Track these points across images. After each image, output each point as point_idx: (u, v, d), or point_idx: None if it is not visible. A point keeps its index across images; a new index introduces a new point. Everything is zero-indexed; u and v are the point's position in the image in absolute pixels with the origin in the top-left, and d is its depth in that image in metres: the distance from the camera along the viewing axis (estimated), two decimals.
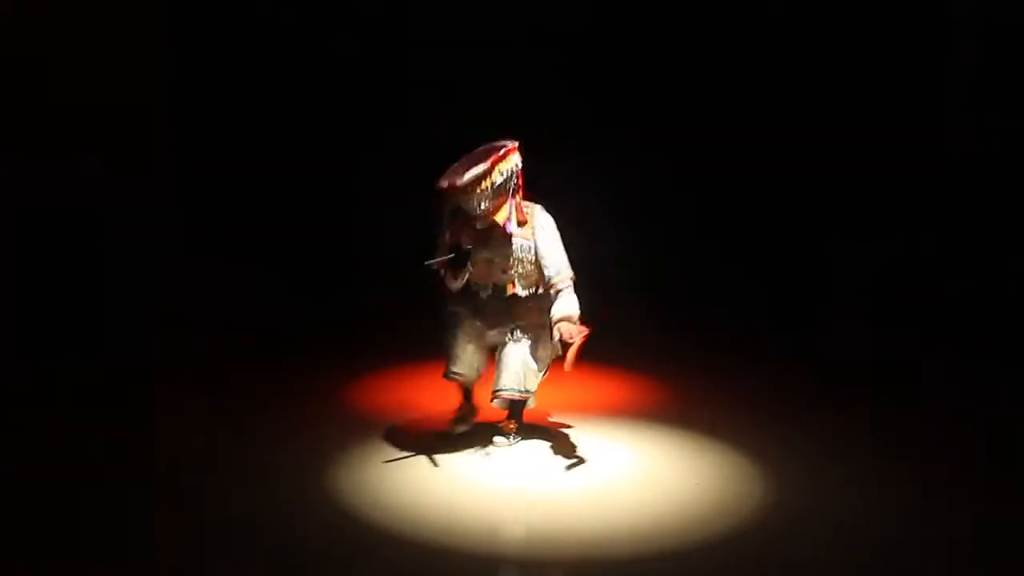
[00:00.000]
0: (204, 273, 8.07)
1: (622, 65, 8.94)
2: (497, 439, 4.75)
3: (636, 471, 4.56)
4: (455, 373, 4.71)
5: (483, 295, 4.64)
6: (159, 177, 8.39)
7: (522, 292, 4.61)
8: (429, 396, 5.44)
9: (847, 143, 8.59)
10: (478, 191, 4.39)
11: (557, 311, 4.48)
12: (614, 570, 3.67)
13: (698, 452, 4.78)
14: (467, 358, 4.69)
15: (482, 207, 4.44)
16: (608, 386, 5.86)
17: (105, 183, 7.97)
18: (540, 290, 4.63)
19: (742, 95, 8.88)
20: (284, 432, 4.99)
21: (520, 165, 4.52)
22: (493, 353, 4.75)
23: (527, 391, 4.65)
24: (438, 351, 4.76)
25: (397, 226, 7.42)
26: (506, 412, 4.79)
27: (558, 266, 4.56)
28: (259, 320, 7.34)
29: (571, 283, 4.55)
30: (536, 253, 4.56)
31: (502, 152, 4.45)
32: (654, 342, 6.71)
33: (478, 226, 4.52)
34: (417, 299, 5.27)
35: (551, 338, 4.55)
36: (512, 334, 4.64)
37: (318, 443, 4.80)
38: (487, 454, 4.67)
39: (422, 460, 4.61)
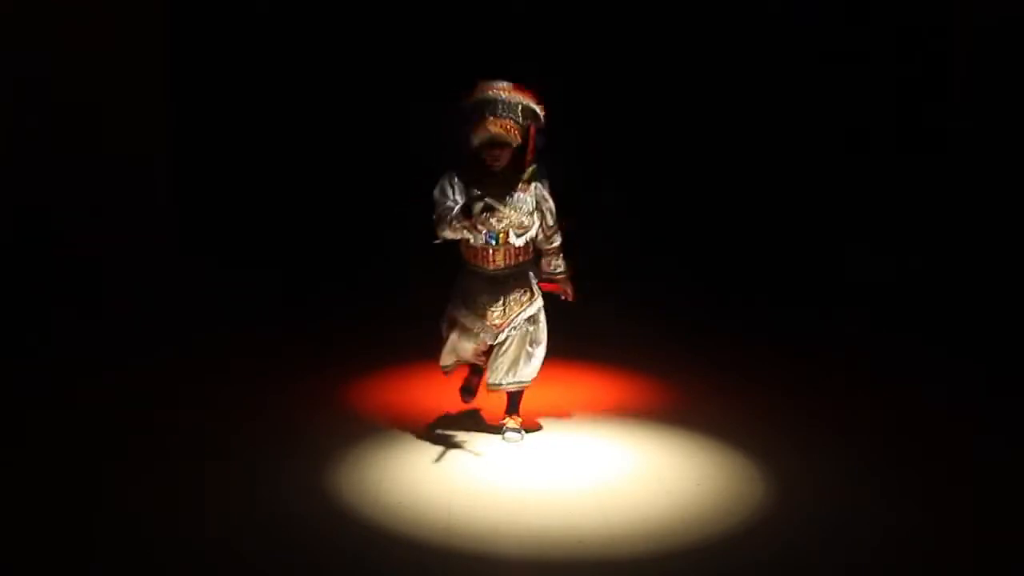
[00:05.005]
0: (203, 272, 8.08)
1: (628, 66, 8.96)
2: (508, 435, 4.91)
3: (637, 471, 4.55)
4: (449, 366, 4.99)
5: (477, 242, 4.74)
6: (159, 178, 8.41)
7: (516, 241, 4.76)
8: (429, 396, 5.45)
9: (848, 143, 8.61)
10: (515, 100, 4.63)
11: (562, 267, 4.91)
12: (614, 570, 3.66)
13: (699, 452, 4.77)
14: (460, 349, 4.91)
15: (511, 117, 4.63)
16: (608, 386, 5.86)
17: (104, 184, 7.99)
18: (531, 249, 4.85)
19: (749, 95, 8.89)
20: (284, 432, 4.99)
21: (541, 119, 4.70)
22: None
23: (523, 381, 4.90)
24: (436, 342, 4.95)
25: (396, 225, 7.43)
26: (505, 407, 4.98)
27: (556, 226, 4.85)
28: (258, 319, 7.33)
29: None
30: (536, 208, 4.76)
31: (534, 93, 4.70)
32: (654, 342, 6.71)
33: (489, 161, 4.67)
34: (415, 300, 5.28)
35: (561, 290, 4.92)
36: (517, 326, 4.81)
37: (318, 443, 4.80)
38: (505, 439, 4.91)
39: (422, 460, 4.62)
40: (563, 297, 4.94)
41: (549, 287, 4.93)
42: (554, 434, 5.02)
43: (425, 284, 5.47)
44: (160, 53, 8.34)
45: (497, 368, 4.84)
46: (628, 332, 6.95)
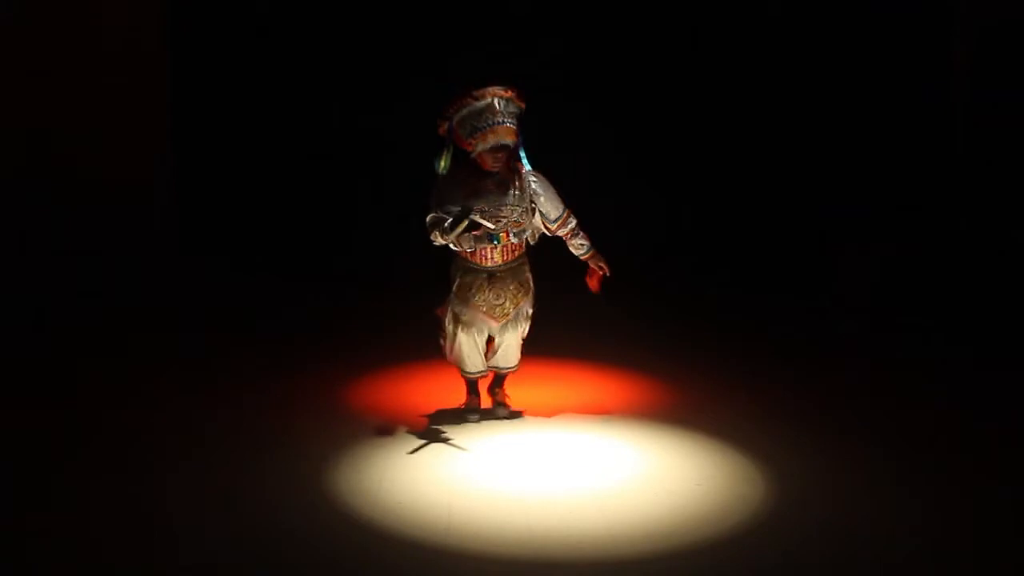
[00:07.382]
0: (203, 272, 8.09)
1: (624, 60, 8.95)
2: (499, 410, 5.19)
3: (638, 471, 4.55)
4: (472, 373, 5.17)
5: (477, 245, 4.84)
6: (159, 178, 8.42)
7: (515, 240, 4.87)
8: (428, 396, 5.45)
9: (852, 143, 8.60)
10: (512, 103, 4.74)
11: (588, 248, 4.99)
12: (615, 570, 3.65)
13: (699, 452, 4.77)
14: (477, 357, 5.11)
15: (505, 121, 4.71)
16: (609, 386, 5.85)
17: (104, 184, 7.99)
18: (530, 240, 4.97)
19: (753, 92, 8.89)
20: (283, 432, 4.98)
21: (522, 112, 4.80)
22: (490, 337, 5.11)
23: (512, 367, 5.20)
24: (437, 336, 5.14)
25: (394, 225, 7.43)
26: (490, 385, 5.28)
27: (561, 208, 4.92)
28: (258, 319, 7.34)
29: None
30: (533, 201, 4.86)
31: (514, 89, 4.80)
32: (655, 341, 6.71)
33: (490, 144, 4.71)
34: (415, 299, 5.28)
35: (595, 267, 5.01)
36: (513, 319, 4.98)
37: (317, 443, 4.79)
38: (478, 419, 5.14)
39: (422, 460, 4.61)
40: (601, 272, 4.99)
41: (593, 283, 5.02)
42: (555, 434, 5.01)
43: (422, 283, 5.48)
44: (160, 53, 8.34)
45: (496, 357, 5.12)
46: (629, 332, 6.95)
